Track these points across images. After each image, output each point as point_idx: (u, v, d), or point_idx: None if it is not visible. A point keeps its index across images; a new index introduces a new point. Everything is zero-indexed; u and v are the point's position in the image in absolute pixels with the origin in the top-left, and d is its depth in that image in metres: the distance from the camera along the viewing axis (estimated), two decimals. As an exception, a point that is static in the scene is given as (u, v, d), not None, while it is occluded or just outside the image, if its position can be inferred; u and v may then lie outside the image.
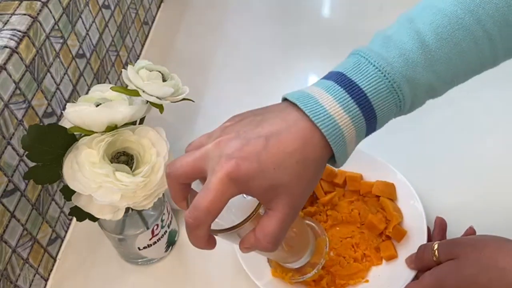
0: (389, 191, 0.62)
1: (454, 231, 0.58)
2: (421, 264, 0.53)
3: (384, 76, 0.38)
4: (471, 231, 0.56)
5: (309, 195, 0.40)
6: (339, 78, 0.39)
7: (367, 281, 0.57)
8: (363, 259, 0.59)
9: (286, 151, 0.37)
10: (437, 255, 0.50)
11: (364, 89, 0.38)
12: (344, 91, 0.38)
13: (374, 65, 0.38)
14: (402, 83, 0.38)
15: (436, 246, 0.51)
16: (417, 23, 0.40)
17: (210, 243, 0.40)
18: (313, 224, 0.57)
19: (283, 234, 0.39)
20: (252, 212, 0.39)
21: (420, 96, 0.40)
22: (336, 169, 0.64)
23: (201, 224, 0.37)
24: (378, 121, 0.39)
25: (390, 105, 0.39)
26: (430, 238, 0.57)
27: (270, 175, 0.36)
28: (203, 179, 0.39)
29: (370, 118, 0.38)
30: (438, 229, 0.58)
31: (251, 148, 0.37)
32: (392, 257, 0.57)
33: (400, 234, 0.58)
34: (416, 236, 0.58)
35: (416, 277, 0.54)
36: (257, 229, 0.38)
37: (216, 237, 0.40)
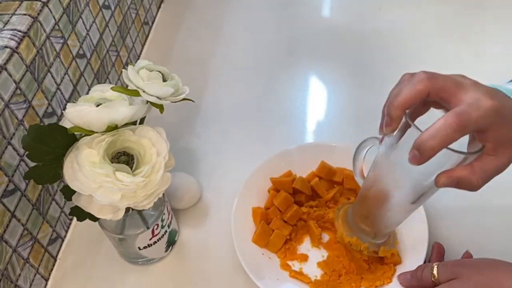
0: None
1: (453, 238, 0.57)
2: (418, 283, 0.52)
3: None
4: (468, 256, 0.56)
5: None
6: None
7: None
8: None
9: None
10: (436, 275, 0.50)
11: None
12: None
13: None
14: None
15: (435, 267, 0.50)
16: None
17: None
18: None
19: (492, 177, 0.43)
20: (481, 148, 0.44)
21: None
22: (334, 167, 0.65)
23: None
24: None
25: None
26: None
27: None
28: None
29: None
30: (435, 254, 0.57)
31: None
32: (396, 263, 0.57)
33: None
34: (416, 241, 0.58)
35: None
36: (477, 163, 0.43)
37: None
